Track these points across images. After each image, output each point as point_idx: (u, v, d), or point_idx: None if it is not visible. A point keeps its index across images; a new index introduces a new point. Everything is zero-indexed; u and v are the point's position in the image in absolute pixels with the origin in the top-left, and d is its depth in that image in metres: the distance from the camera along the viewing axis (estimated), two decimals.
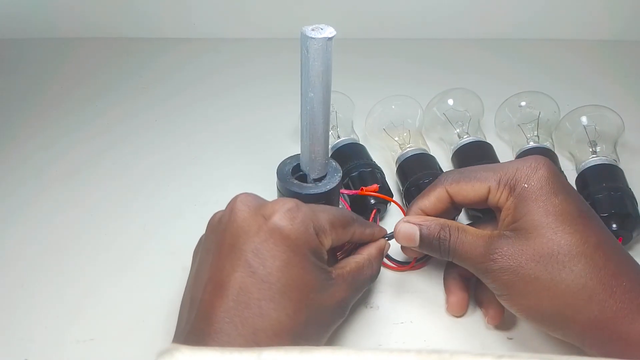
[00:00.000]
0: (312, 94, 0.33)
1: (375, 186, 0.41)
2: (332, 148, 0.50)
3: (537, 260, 0.31)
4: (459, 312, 0.38)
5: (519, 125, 0.52)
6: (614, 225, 0.41)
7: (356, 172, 0.46)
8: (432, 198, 0.37)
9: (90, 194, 0.50)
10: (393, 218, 0.46)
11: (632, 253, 0.41)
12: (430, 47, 0.75)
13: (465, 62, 0.71)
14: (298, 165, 0.38)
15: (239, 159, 0.55)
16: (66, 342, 0.37)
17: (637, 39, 0.74)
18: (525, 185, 0.33)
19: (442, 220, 0.36)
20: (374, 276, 0.37)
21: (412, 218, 0.37)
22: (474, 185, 0.36)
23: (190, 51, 0.75)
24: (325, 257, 0.33)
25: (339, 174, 0.38)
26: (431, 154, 0.49)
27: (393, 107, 0.53)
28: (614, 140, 0.49)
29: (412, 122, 0.52)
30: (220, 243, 0.31)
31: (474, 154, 0.48)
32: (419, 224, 0.36)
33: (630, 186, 0.44)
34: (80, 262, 0.43)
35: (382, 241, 0.38)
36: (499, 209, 0.35)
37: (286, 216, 0.30)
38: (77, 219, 0.48)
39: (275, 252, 0.30)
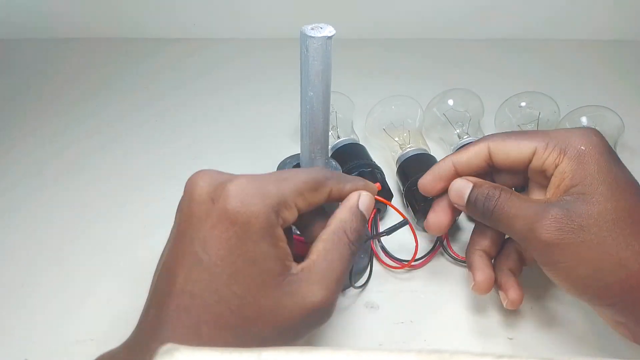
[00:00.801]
0: (311, 93, 0.33)
1: (377, 185, 0.41)
2: (332, 148, 0.50)
3: (600, 225, 0.30)
4: (485, 291, 0.36)
5: (519, 125, 0.52)
6: None
7: (356, 172, 0.46)
8: (470, 153, 0.36)
9: (90, 193, 0.50)
10: (393, 218, 0.46)
11: None
12: (430, 48, 0.74)
13: (465, 62, 0.71)
14: (298, 164, 0.38)
15: (239, 159, 0.54)
16: (66, 342, 0.37)
17: (637, 39, 0.74)
18: (583, 147, 0.32)
19: (495, 184, 0.35)
20: (355, 251, 0.31)
21: (468, 177, 0.36)
22: (520, 143, 0.34)
23: (190, 51, 0.75)
24: (283, 242, 0.28)
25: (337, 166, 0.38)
26: (431, 154, 0.49)
27: (393, 107, 0.53)
28: (613, 140, 0.49)
29: (412, 122, 0.52)
30: (175, 228, 0.29)
31: None
32: (473, 182, 0.35)
33: None
34: (80, 262, 0.43)
35: (353, 196, 0.32)
36: (542, 174, 0.34)
37: (235, 196, 0.27)
38: (76, 218, 0.48)
39: (221, 239, 0.27)
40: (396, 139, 0.50)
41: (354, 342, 0.37)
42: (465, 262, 0.41)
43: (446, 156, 0.37)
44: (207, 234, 0.27)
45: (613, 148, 0.47)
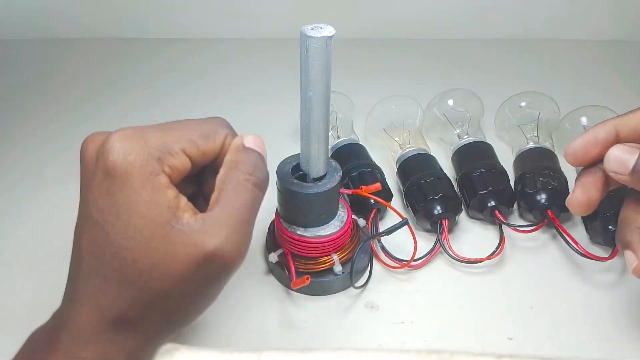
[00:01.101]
0: (311, 93, 0.33)
1: (377, 185, 0.41)
2: (331, 148, 0.50)
3: None
4: None
5: (518, 125, 0.51)
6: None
7: (356, 172, 0.46)
8: None
9: None
10: (392, 218, 0.46)
11: None
12: (430, 48, 0.74)
13: (465, 62, 0.71)
14: (298, 164, 0.38)
15: None
16: None
17: (637, 39, 0.74)
18: None
19: None
20: (257, 182, 0.28)
21: (630, 143, 0.31)
22: None
23: (190, 51, 0.75)
24: (171, 190, 0.27)
25: (339, 174, 0.38)
26: (431, 154, 0.49)
27: (393, 107, 0.53)
28: None
29: (412, 122, 0.52)
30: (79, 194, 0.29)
31: (474, 154, 0.48)
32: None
33: None
34: None
35: (236, 139, 0.30)
36: None
37: (113, 148, 0.26)
38: (76, 218, 0.47)
39: (108, 195, 0.26)
40: (396, 139, 0.50)
41: (354, 342, 0.37)
42: (466, 261, 0.41)
43: (605, 120, 0.32)
44: (96, 192, 0.27)
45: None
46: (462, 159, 0.49)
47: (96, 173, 0.27)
